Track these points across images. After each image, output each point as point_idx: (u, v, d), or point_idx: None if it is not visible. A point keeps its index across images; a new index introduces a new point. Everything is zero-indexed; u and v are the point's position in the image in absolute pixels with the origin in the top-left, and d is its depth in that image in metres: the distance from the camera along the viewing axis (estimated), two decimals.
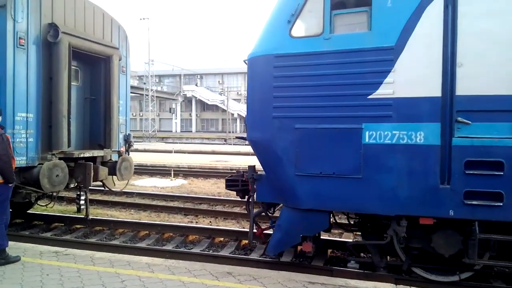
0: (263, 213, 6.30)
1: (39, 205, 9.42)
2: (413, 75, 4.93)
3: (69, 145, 8.01)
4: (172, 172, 17.23)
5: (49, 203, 9.13)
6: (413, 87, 4.93)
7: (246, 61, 5.82)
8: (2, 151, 5.42)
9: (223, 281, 4.96)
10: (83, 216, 9.12)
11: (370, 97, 5.06)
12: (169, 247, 7.64)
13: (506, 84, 4.65)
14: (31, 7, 7.50)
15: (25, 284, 4.75)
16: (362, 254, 6.84)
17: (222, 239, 8.03)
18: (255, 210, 6.16)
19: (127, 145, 9.67)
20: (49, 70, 7.81)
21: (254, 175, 5.88)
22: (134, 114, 66.28)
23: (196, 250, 7.39)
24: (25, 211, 9.81)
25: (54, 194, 8.66)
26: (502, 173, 4.62)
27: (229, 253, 7.09)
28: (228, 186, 6.36)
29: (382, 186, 5.04)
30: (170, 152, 27.93)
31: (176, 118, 71.46)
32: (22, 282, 4.81)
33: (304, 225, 5.55)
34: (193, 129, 71.04)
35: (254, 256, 6.97)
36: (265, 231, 6.40)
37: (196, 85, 69.94)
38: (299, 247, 6.61)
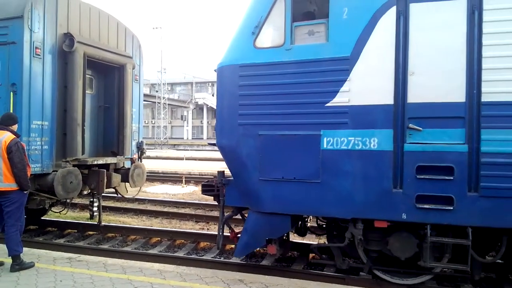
0: (234, 217, 6.45)
1: (53, 211, 9.55)
2: (367, 83, 5.13)
3: (83, 152, 8.12)
4: (184, 179, 17.31)
5: (62, 210, 9.26)
6: (367, 95, 5.13)
7: (216, 70, 6.02)
8: (18, 159, 5.49)
9: None
10: (96, 223, 9.22)
11: (327, 105, 5.27)
12: (180, 253, 7.67)
13: (454, 91, 4.82)
14: (47, 18, 7.68)
15: None
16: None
17: (233, 246, 8.03)
18: (227, 214, 6.32)
19: (139, 152, 9.76)
20: (64, 78, 7.96)
21: (223, 180, 6.08)
22: (146, 122, 66.87)
23: (207, 257, 7.41)
24: (39, 218, 9.94)
25: (68, 200, 8.78)
26: (452, 178, 4.78)
27: (240, 260, 7.08)
28: (204, 191, 6.50)
29: (339, 190, 5.23)
30: (181, 159, 28.07)
31: (187, 126, 71.93)
32: (36, 287, 4.86)
33: (268, 228, 5.73)
34: (204, 136, 71.37)
35: (265, 263, 6.95)
36: (238, 235, 6.42)
37: (212, 95, 70.29)
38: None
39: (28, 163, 5.75)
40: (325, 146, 5.28)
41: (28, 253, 6.28)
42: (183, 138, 69.19)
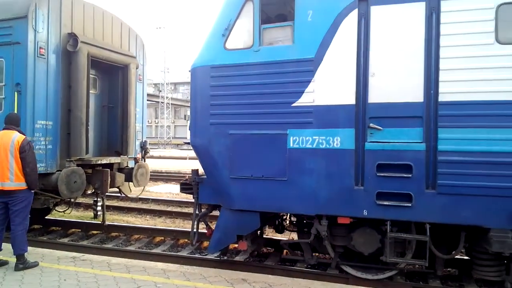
0: (208, 214, 6.60)
1: (57, 211, 9.59)
2: (331, 84, 5.28)
3: (87, 152, 8.15)
4: None
5: (66, 209, 9.30)
6: (331, 96, 5.28)
7: (189, 71, 6.15)
8: (30, 158, 5.54)
9: None
10: (100, 222, 9.24)
11: (293, 105, 5.42)
12: (184, 253, 7.68)
13: (413, 92, 4.97)
14: (51, 18, 7.71)
15: None
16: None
17: (236, 245, 8.02)
18: (202, 211, 6.46)
19: (143, 152, 9.79)
20: (68, 78, 7.99)
21: (196, 178, 6.20)
22: (150, 121, 66.98)
23: (210, 256, 7.41)
24: (44, 217, 9.98)
25: (72, 200, 8.81)
26: (410, 176, 4.93)
27: (244, 260, 7.08)
28: (182, 190, 6.61)
29: (304, 187, 5.39)
30: (184, 158, 28.11)
31: None
32: (41, 287, 4.89)
33: (238, 225, 5.89)
34: None
35: (268, 263, 6.94)
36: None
37: None
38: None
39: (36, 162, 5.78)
40: (291, 145, 5.44)
41: (32, 252, 6.31)
42: (186, 138, 69.20)
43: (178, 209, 11.71)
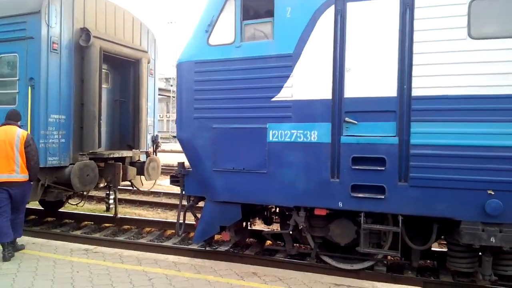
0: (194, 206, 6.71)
1: (70, 204, 9.73)
2: (308, 79, 5.38)
3: (99, 146, 8.24)
4: None
5: (79, 202, 9.42)
6: (309, 91, 5.38)
7: (176, 67, 6.30)
8: (34, 151, 5.88)
9: (248, 281, 5.00)
10: (112, 215, 9.35)
11: (273, 99, 5.54)
12: (194, 246, 7.73)
13: (387, 87, 5.04)
14: (64, 13, 7.78)
15: (56, 280, 4.91)
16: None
17: (247, 239, 8.06)
18: (190, 203, 6.63)
19: (154, 146, 9.86)
20: (81, 73, 8.07)
21: (182, 171, 6.37)
22: (161, 116, 67.33)
23: (221, 249, 7.46)
24: (57, 210, 10.13)
25: (85, 193, 8.93)
26: (384, 168, 5.04)
27: (254, 254, 7.12)
28: (172, 182, 6.78)
29: (283, 180, 5.52)
30: None
31: None
32: (54, 278, 4.97)
33: (220, 216, 6.05)
34: None
35: (279, 257, 6.96)
36: None
37: None
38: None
39: None
40: (271, 138, 5.57)
41: (46, 244, 6.43)
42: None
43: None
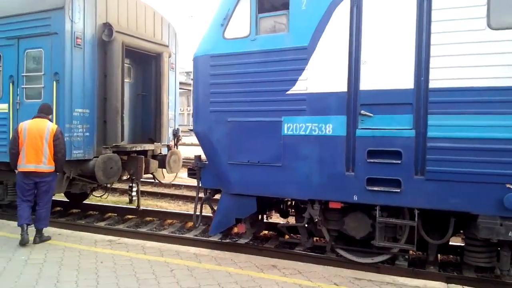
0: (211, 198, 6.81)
1: (94, 196, 9.95)
2: (323, 72, 5.35)
3: (122, 139, 8.38)
4: None
5: (103, 194, 9.62)
6: (324, 83, 5.35)
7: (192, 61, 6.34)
8: (63, 145, 6.14)
9: (268, 274, 5.04)
10: (135, 207, 9.53)
11: (288, 92, 5.54)
12: (214, 238, 7.81)
13: (404, 79, 4.97)
14: (87, 8, 7.90)
15: (81, 270, 5.05)
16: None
17: (266, 232, 8.11)
18: (206, 195, 6.73)
19: (175, 139, 9.96)
20: (103, 68, 8.20)
21: (198, 163, 6.47)
22: (182, 109, 67.88)
23: (241, 242, 7.52)
24: (81, 202, 10.38)
25: (108, 185, 9.11)
26: (400, 162, 4.98)
27: (274, 246, 7.15)
28: (189, 175, 6.88)
29: (297, 173, 5.54)
30: None
31: None
32: (79, 268, 5.11)
33: (236, 208, 6.13)
34: None
35: (298, 250, 6.97)
36: None
37: None
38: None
39: None
40: (285, 132, 5.58)
41: (71, 236, 6.62)
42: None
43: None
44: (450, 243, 6.65)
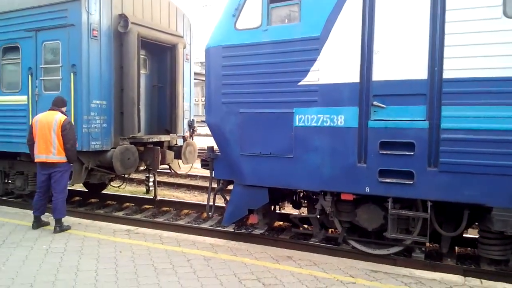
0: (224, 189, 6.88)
1: (112, 186, 10.10)
2: (335, 62, 5.29)
3: (139, 131, 8.46)
4: None
5: (121, 184, 9.77)
6: (335, 74, 5.30)
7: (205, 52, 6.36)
8: (71, 135, 6.28)
9: (284, 265, 5.06)
10: (152, 197, 9.66)
11: (299, 83, 5.50)
12: (230, 228, 7.87)
13: (417, 69, 4.89)
14: (103, 0, 7.93)
15: (101, 259, 5.15)
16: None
17: (281, 223, 8.13)
18: (219, 186, 6.78)
19: (191, 130, 10.02)
20: (120, 59, 8.26)
21: (211, 154, 6.53)
22: (196, 100, 68.00)
23: (256, 232, 7.56)
24: (100, 192, 10.56)
25: (126, 176, 9.24)
26: (413, 153, 4.93)
27: (289, 238, 7.17)
28: (202, 166, 6.96)
29: (309, 164, 5.53)
30: None
31: None
32: (98, 257, 5.22)
33: (248, 199, 6.17)
34: None
35: (313, 241, 6.98)
36: None
37: None
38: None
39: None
40: (297, 123, 5.56)
41: (91, 225, 6.75)
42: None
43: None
44: (468, 235, 6.60)
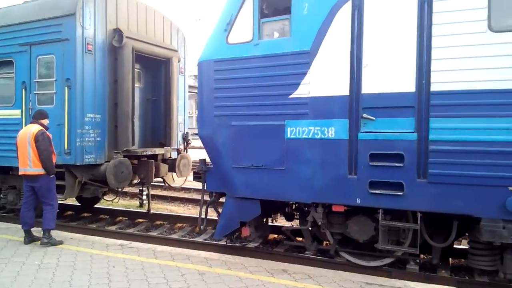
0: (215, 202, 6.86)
1: (105, 200, 10.04)
2: (325, 76, 5.39)
3: (133, 144, 8.45)
4: None
5: (114, 198, 9.71)
6: (326, 87, 5.39)
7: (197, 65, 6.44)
8: (43, 147, 6.19)
9: (278, 278, 5.04)
10: (145, 211, 9.61)
11: (290, 96, 5.58)
12: (224, 242, 7.82)
13: (405, 82, 4.99)
14: (97, 14, 8.00)
15: (94, 274, 5.10)
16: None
17: (276, 236, 8.11)
18: (211, 199, 6.76)
19: (185, 143, 10.01)
20: (114, 73, 8.28)
21: (203, 167, 6.54)
22: (191, 113, 68.03)
23: (251, 246, 7.52)
24: (93, 206, 10.48)
25: (119, 189, 9.19)
26: (402, 165, 4.99)
27: (284, 250, 7.14)
28: (195, 178, 6.99)
29: (301, 176, 5.59)
30: None
31: None
32: (91, 273, 5.16)
33: (240, 212, 6.17)
34: None
35: (308, 254, 6.96)
36: None
37: None
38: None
39: (53, 151, 6.41)
40: (288, 135, 5.63)
41: (83, 240, 6.69)
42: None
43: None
44: (461, 246, 6.62)
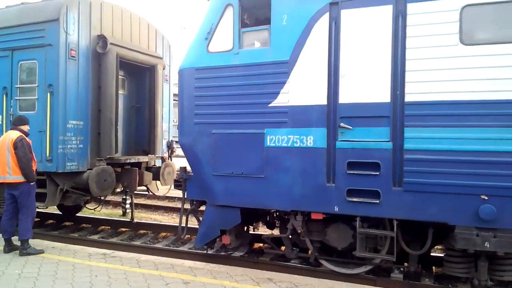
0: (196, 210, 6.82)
1: (87, 208, 9.85)
2: (304, 85, 5.47)
3: (116, 151, 8.33)
4: None
5: (97, 207, 9.53)
6: (304, 96, 5.47)
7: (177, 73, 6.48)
8: (22, 153, 6.04)
9: (264, 287, 4.99)
10: (129, 220, 9.45)
11: (270, 105, 5.65)
12: (210, 251, 7.75)
13: (381, 92, 5.10)
14: (81, 20, 7.92)
15: (76, 284, 4.98)
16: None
17: (261, 245, 8.06)
18: (191, 207, 6.72)
19: (169, 151, 9.94)
20: (98, 79, 8.19)
21: (184, 175, 6.50)
22: (175, 121, 67.62)
23: (236, 254, 7.47)
24: (75, 214, 10.27)
25: (102, 198, 9.03)
26: (378, 173, 5.09)
27: (269, 259, 7.10)
28: (175, 186, 6.96)
29: (280, 184, 5.63)
30: None
31: None
32: (73, 282, 5.05)
33: (220, 220, 6.17)
34: None
35: (294, 263, 6.94)
36: None
37: None
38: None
39: (33, 158, 6.27)
40: (268, 143, 5.68)
41: (65, 249, 6.54)
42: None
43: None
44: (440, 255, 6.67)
